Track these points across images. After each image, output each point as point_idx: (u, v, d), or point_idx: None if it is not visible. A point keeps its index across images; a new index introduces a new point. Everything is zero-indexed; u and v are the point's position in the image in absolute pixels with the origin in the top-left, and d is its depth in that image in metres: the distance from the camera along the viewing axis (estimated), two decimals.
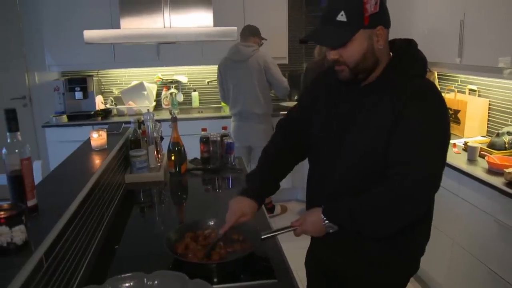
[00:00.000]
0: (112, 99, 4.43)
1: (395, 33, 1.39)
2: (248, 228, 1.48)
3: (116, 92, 4.53)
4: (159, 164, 2.34)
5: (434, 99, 1.26)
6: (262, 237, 1.41)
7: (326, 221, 1.32)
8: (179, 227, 1.53)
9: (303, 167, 1.56)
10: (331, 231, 1.34)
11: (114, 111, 4.30)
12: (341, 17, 1.21)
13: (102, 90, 4.56)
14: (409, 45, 1.34)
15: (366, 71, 1.29)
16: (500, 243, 2.16)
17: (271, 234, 1.42)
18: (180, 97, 4.58)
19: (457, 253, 2.50)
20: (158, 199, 2.17)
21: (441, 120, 1.26)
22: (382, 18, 1.25)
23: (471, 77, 3.16)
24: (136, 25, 1.88)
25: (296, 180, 4.02)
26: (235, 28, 1.89)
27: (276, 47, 4.25)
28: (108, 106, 4.35)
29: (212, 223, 1.55)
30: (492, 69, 2.47)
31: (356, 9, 1.21)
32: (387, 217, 1.27)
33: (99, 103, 4.31)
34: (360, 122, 1.30)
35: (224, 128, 2.62)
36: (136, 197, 2.17)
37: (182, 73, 4.65)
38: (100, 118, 4.11)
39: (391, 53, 1.34)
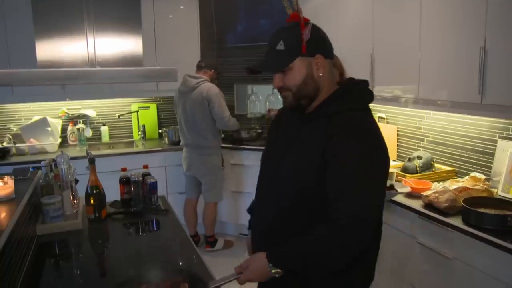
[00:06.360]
0: (10, 137, 3.99)
1: None
2: (192, 277, 1.38)
3: (14, 129, 4.10)
4: (75, 211, 2.12)
5: (362, 133, 1.31)
6: (215, 285, 1.33)
7: (272, 268, 1.29)
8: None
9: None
10: (277, 276, 1.29)
11: (13, 150, 3.88)
12: (280, 46, 1.31)
13: None
14: (358, 81, 1.42)
15: (308, 97, 1.36)
16: (423, 264, 2.27)
17: (218, 284, 1.34)
18: (89, 133, 4.29)
19: (382, 274, 2.58)
20: (77, 250, 1.95)
21: (371, 154, 1.29)
22: (321, 47, 1.35)
23: (379, 106, 3.37)
24: (54, 53, 1.67)
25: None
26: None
27: None
28: (5, 144, 3.92)
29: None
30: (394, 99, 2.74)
31: (293, 38, 1.31)
32: (335, 257, 1.27)
33: None
34: (295, 150, 1.37)
35: (145, 166, 2.47)
36: (51, 250, 1.93)
37: (89, 107, 4.37)
38: None
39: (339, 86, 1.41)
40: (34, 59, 1.81)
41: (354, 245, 1.26)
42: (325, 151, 1.28)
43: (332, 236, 1.25)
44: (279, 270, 1.28)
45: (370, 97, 1.41)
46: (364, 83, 1.42)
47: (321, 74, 1.34)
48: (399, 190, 2.48)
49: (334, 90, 1.38)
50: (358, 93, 1.39)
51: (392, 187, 2.49)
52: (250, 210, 1.66)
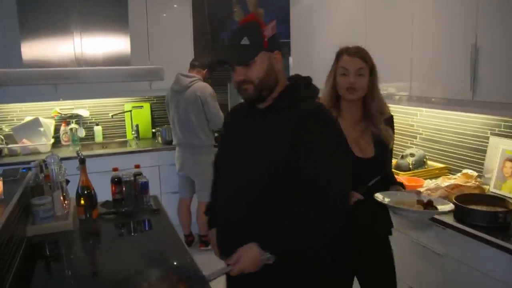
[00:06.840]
0: (2, 138, 3.97)
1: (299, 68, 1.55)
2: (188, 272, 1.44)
3: (7, 129, 4.08)
4: (66, 212, 2.10)
5: (328, 118, 1.47)
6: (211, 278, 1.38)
7: (266, 254, 1.36)
8: None
9: None
10: (269, 262, 1.37)
11: (5, 151, 3.86)
12: (245, 41, 1.42)
13: None
14: (304, 76, 1.58)
15: (269, 89, 1.47)
16: (414, 260, 2.27)
17: (216, 277, 1.39)
18: (82, 133, 4.27)
19: None
20: (68, 251, 1.94)
21: (338, 136, 1.47)
22: (277, 45, 1.50)
23: None
24: (40, 53, 1.67)
25: None
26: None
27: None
28: None
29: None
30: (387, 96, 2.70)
31: (256, 34, 1.43)
32: (323, 232, 1.41)
33: None
34: (257, 141, 1.47)
35: (137, 166, 2.46)
36: (42, 251, 1.91)
37: (82, 107, 4.34)
38: None
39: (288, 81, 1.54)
40: (20, 59, 1.79)
41: (338, 220, 1.40)
42: (294, 140, 1.38)
43: (319, 213, 1.37)
44: (271, 255, 1.35)
45: (317, 89, 1.56)
46: (309, 78, 1.58)
47: (279, 68, 1.49)
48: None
49: (287, 84, 1.52)
50: (309, 85, 1.54)
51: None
52: (208, 212, 1.76)
